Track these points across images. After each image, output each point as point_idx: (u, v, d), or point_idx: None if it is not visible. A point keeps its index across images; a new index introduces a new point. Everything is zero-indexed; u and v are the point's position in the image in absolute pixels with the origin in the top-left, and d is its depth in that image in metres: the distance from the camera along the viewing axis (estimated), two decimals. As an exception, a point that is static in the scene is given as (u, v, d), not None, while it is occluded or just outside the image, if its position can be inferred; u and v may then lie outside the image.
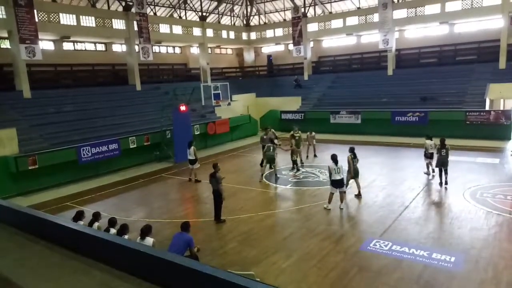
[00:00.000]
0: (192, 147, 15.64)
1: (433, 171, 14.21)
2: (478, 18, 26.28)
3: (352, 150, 12.47)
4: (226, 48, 37.87)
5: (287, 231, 10.06)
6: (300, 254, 8.68)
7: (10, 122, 16.94)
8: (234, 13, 36.50)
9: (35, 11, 19.76)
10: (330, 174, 11.34)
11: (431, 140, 14.19)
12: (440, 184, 13.03)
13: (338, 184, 11.32)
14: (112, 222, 8.02)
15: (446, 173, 12.97)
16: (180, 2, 30.75)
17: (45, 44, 23.62)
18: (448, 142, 13.12)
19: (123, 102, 23.39)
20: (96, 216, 8.47)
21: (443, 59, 28.64)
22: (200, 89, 20.52)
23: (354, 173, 12.33)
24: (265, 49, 38.67)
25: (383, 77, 28.61)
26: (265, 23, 37.17)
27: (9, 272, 3.90)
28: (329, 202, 11.48)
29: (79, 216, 8.58)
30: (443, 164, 12.90)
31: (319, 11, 33.59)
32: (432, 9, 27.01)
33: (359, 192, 12.45)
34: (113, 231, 7.71)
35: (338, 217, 11.08)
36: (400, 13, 28.07)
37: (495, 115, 20.58)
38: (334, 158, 11.36)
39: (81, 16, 23.37)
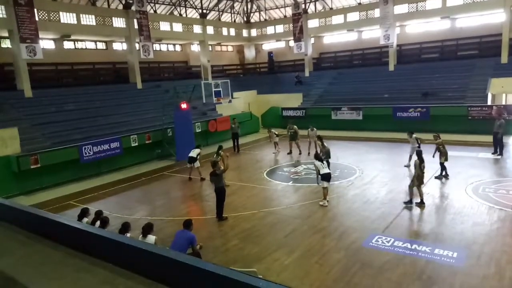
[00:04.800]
0: (199, 149, 15.63)
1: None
2: (480, 13, 26.10)
3: (419, 155, 10.98)
4: (227, 45, 37.78)
5: (289, 228, 10.07)
6: (302, 250, 8.69)
7: (12, 121, 16.97)
8: (234, 10, 36.39)
9: (35, 10, 19.73)
10: (318, 170, 11.48)
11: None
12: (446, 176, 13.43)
13: (327, 177, 11.47)
14: (104, 222, 8.04)
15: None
16: (180, -1, 30.71)
17: (46, 43, 23.60)
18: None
19: (124, 100, 23.41)
20: (99, 215, 8.56)
21: (444, 54, 28.52)
22: (201, 86, 20.52)
23: (420, 180, 10.91)
24: (265, 46, 38.56)
25: (384, 73, 28.50)
26: (265, 19, 37.06)
27: (13, 271, 3.93)
28: (325, 197, 11.51)
29: (83, 213, 8.71)
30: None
31: (319, 7, 33.45)
32: (433, 3, 26.84)
33: (422, 200, 10.92)
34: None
35: (340, 213, 11.08)
36: (401, 8, 27.93)
37: (497, 110, 20.50)
38: (317, 157, 11.85)
39: (81, 15, 23.38)
